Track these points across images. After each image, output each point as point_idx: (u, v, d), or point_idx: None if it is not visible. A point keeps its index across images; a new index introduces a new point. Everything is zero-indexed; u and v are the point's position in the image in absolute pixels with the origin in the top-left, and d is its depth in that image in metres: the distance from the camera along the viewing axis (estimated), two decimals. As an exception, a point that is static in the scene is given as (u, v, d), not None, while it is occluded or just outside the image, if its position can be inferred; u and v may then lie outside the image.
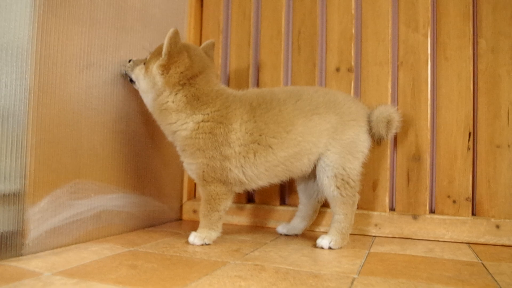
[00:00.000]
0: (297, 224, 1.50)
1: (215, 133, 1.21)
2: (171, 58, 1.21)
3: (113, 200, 1.39)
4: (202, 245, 1.28)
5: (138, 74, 1.28)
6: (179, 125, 1.23)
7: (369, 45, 1.60)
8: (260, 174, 1.24)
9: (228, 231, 1.56)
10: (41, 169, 1.13)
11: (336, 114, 1.28)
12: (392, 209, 1.60)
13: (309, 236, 1.50)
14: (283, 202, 1.74)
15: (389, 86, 1.57)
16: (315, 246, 1.31)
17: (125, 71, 1.33)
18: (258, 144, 1.22)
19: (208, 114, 1.23)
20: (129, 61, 1.33)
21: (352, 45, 1.63)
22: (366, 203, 1.59)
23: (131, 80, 1.34)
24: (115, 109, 1.39)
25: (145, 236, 1.41)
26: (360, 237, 1.51)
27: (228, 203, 1.28)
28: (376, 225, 1.54)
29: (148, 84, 1.25)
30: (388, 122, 1.36)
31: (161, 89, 1.24)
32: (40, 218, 1.14)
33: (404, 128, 1.55)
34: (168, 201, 1.68)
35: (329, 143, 1.27)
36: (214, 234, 1.29)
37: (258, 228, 1.66)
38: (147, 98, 1.28)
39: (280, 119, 1.23)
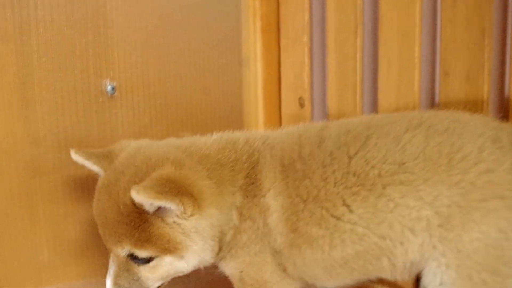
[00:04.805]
0: None
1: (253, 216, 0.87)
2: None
3: None
4: None
5: None
6: None
7: None
8: (318, 275, 0.87)
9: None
10: None
11: (450, 184, 0.74)
12: None
13: None
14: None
15: None
16: None
17: None
18: (298, 234, 0.83)
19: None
20: None
21: None
22: None
23: None
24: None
25: None
26: None
27: None
28: None
29: None
30: None
31: None
32: None
33: None
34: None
35: (433, 246, 0.76)
36: None
37: None
38: None
39: (323, 194, 0.80)
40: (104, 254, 1.01)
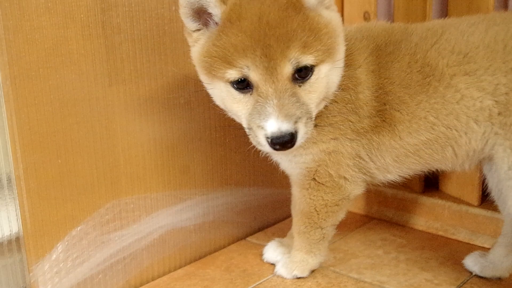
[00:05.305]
0: (499, 258, 0.98)
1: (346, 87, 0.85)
2: None
3: (185, 212, 1.06)
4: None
5: None
6: None
7: None
8: (387, 165, 0.91)
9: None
10: (44, 200, 0.85)
11: (506, 70, 0.79)
12: None
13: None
14: (484, 200, 1.13)
15: None
16: None
17: None
18: (382, 117, 0.86)
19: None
20: None
21: None
22: None
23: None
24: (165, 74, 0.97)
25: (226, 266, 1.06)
26: None
27: (340, 215, 0.97)
28: None
29: None
30: None
31: None
32: (55, 274, 0.88)
33: None
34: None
35: (495, 133, 0.81)
36: (313, 261, 1.00)
37: (434, 238, 1.16)
38: None
39: (408, 79, 0.83)
40: (178, 167, 1.02)
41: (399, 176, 0.93)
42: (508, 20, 0.81)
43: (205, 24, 0.77)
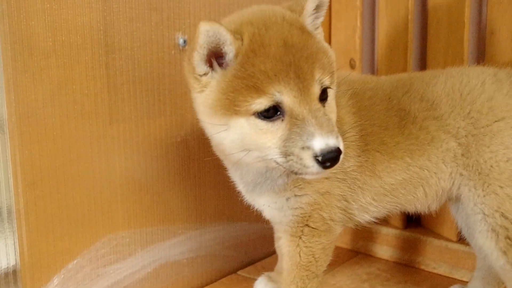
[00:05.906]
0: (477, 291, 1.03)
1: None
2: None
3: (178, 246, 1.09)
4: None
5: None
6: None
7: None
8: (366, 204, 0.92)
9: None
10: (42, 234, 0.87)
11: (464, 115, 0.88)
12: None
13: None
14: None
15: None
16: None
17: None
18: (365, 157, 0.89)
19: None
20: None
21: None
22: None
23: None
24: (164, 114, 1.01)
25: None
26: None
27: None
28: None
29: None
30: None
31: None
32: (50, 307, 0.88)
33: None
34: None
35: (460, 173, 0.89)
36: None
37: (416, 272, 1.20)
38: None
39: (386, 122, 0.89)
40: (174, 203, 1.05)
41: (374, 217, 0.94)
42: (461, 72, 0.91)
43: (211, 66, 0.75)
